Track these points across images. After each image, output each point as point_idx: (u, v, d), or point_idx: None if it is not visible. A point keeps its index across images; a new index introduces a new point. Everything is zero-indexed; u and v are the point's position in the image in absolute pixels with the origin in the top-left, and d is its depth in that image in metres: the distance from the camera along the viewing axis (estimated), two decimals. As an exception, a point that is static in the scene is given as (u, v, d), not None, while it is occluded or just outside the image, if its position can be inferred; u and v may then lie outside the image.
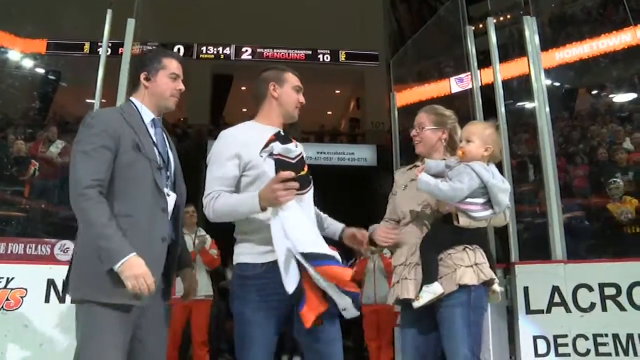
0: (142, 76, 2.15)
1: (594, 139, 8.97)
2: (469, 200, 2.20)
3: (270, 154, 2.01)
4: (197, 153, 14.33)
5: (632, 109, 10.96)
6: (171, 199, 2.09)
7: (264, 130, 2.18)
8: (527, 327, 3.59)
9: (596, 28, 13.44)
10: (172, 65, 2.18)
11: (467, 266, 2.24)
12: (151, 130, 2.11)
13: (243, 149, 2.09)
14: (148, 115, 2.13)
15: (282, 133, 1.96)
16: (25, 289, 3.34)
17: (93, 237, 1.89)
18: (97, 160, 1.93)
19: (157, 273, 1.96)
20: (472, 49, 4.57)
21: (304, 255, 1.87)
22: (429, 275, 2.22)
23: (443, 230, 2.29)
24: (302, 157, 1.95)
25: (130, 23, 4.11)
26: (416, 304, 2.22)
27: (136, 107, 2.13)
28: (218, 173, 2.10)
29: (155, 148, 2.08)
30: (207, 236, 5.38)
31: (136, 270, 1.85)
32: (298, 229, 1.90)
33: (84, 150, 1.95)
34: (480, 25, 5.15)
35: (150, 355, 2.05)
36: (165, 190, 2.06)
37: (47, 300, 3.32)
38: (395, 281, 2.37)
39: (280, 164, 1.92)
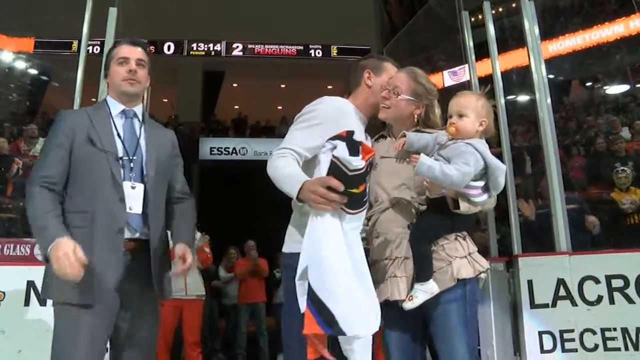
0: (105, 74, 2.23)
1: (590, 130, 8.88)
2: (470, 183, 1.94)
3: (333, 149, 1.77)
4: (188, 151, 14.19)
5: (627, 100, 10.93)
6: (137, 190, 2.05)
7: (356, 115, 2.12)
8: (531, 322, 3.46)
9: (588, 19, 13.39)
10: (121, 51, 2.18)
11: (462, 257, 2.01)
12: (119, 122, 2.14)
13: (334, 124, 1.94)
14: (116, 108, 2.16)
15: (355, 138, 1.75)
16: (3, 292, 3.15)
17: (33, 233, 1.96)
18: (48, 158, 2.02)
19: (116, 266, 1.96)
20: (468, 36, 4.39)
21: (310, 285, 1.69)
22: (424, 271, 1.96)
23: (435, 218, 2.02)
24: (362, 173, 1.71)
25: (112, 12, 3.93)
26: (409, 305, 1.94)
27: (106, 102, 2.19)
28: (302, 134, 1.98)
29: (118, 139, 2.09)
30: (202, 234, 5.26)
31: (59, 252, 1.82)
32: (318, 248, 1.71)
33: (42, 151, 2.09)
34: (473, 19, 5.00)
35: (134, 354, 2.05)
36: (129, 182, 2.05)
37: (26, 303, 3.12)
38: (379, 279, 2.02)
39: (334, 169, 1.71)
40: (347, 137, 1.74)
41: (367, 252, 2.10)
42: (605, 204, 5.54)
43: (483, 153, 1.95)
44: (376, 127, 2.33)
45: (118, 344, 2.02)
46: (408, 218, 2.05)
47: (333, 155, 1.71)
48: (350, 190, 1.69)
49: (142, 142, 2.15)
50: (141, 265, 2.02)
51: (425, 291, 1.94)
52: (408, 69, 2.17)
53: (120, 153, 2.06)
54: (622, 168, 5.51)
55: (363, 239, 2.10)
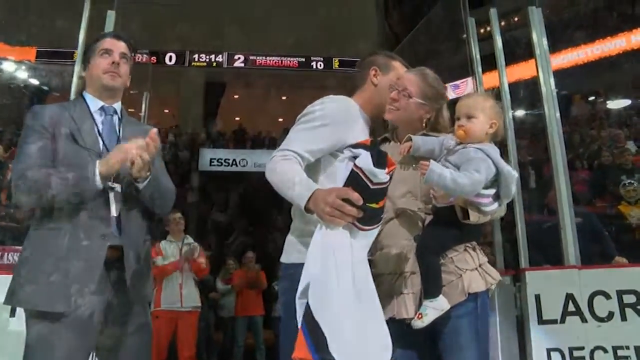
0: (84, 67, 2.11)
1: (594, 143, 8.80)
2: (481, 191, 1.83)
3: (353, 158, 1.61)
4: (189, 161, 14.12)
5: (630, 114, 10.89)
6: (115, 191, 1.91)
7: (361, 115, 1.97)
8: (539, 339, 3.30)
9: (590, 34, 13.40)
10: (104, 44, 2.06)
11: (473, 270, 1.89)
12: (98, 119, 2.02)
13: (341, 125, 1.83)
14: (95, 104, 2.04)
15: (382, 150, 1.61)
16: (-12, 302, 3.02)
17: (62, 194, 1.79)
18: (28, 152, 1.86)
19: (95, 273, 1.81)
20: (475, 44, 4.26)
21: (307, 304, 1.53)
22: (433, 287, 1.84)
23: (443, 229, 1.90)
24: (385, 187, 1.58)
25: (111, 15, 3.84)
26: (419, 324, 1.81)
27: (84, 98, 2.06)
28: (305, 136, 1.83)
29: (99, 137, 1.97)
30: (196, 244, 5.13)
31: (111, 158, 1.81)
32: (325, 266, 1.54)
33: (20, 146, 1.91)
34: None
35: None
36: (109, 183, 1.90)
37: (12, 314, 2.97)
38: (383, 295, 1.87)
39: (354, 180, 1.55)
40: (373, 147, 1.60)
41: (370, 263, 1.98)
42: (612, 218, 5.42)
43: (495, 159, 1.84)
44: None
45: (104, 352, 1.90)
46: (414, 229, 1.94)
47: (355, 165, 1.56)
48: (369, 204, 1.55)
49: (121, 140, 2.01)
50: (124, 275, 1.88)
51: (436, 308, 1.82)
52: (418, 70, 2.06)
53: (101, 151, 1.93)
54: (629, 181, 5.40)
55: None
